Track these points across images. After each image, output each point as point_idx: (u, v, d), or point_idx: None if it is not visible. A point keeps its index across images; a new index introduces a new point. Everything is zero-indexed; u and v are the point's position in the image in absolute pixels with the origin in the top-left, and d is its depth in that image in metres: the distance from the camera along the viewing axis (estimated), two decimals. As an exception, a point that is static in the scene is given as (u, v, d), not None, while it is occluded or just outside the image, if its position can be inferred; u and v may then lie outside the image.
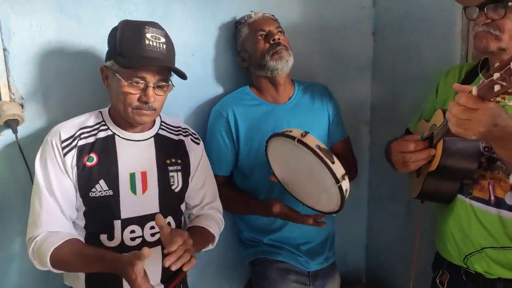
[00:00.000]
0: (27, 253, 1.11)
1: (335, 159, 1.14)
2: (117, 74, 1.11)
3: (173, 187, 1.25)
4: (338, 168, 1.13)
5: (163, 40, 1.14)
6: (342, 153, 1.62)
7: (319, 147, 1.13)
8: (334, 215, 1.29)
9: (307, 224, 1.36)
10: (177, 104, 1.52)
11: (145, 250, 0.95)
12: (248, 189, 1.55)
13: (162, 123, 1.29)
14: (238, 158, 1.50)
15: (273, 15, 1.55)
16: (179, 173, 1.26)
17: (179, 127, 1.33)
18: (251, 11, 1.54)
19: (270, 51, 1.42)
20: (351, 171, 1.63)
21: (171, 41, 1.18)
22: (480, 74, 0.79)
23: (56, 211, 1.11)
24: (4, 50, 1.25)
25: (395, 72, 1.80)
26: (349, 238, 2.01)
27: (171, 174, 1.24)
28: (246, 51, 1.50)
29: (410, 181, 1.37)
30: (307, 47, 1.75)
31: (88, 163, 1.14)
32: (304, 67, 1.71)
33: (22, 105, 1.29)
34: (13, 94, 1.28)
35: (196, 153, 1.32)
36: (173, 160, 1.26)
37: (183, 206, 1.33)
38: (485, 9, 1.03)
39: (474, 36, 1.09)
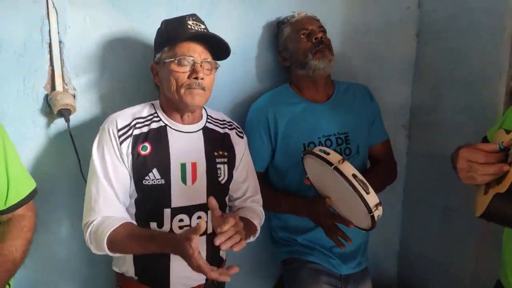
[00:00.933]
0: (83, 238, 1.15)
1: (370, 189, 1.13)
2: (166, 60, 1.17)
3: (220, 179, 1.28)
4: (373, 199, 1.13)
5: (203, 26, 1.22)
6: (381, 156, 1.60)
7: (355, 176, 1.12)
8: (364, 232, 1.29)
9: (333, 240, 1.35)
10: (218, 100, 1.55)
11: (202, 222, 0.98)
12: (280, 187, 1.56)
13: (209, 117, 1.33)
14: (275, 155, 1.51)
15: (315, 16, 1.55)
16: (226, 166, 1.30)
17: (224, 120, 1.36)
18: (293, 12, 1.55)
19: (313, 50, 1.43)
20: (391, 174, 1.62)
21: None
22: None
23: (112, 197, 1.15)
24: (60, 42, 1.32)
25: (438, 75, 1.76)
26: (382, 244, 1.98)
27: (218, 166, 1.28)
28: (288, 50, 1.51)
29: (476, 196, 1.20)
30: (348, 47, 1.74)
31: (143, 152, 1.18)
32: (344, 68, 1.70)
33: (74, 96, 1.35)
34: (66, 84, 1.34)
35: (241, 146, 1.36)
36: (220, 153, 1.29)
37: (227, 199, 1.36)
38: None
39: None
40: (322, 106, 1.51)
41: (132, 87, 1.43)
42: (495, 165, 0.95)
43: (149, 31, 1.37)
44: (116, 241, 1.11)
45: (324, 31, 1.48)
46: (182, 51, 1.17)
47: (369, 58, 1.80)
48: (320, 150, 1.21)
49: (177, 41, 1.17)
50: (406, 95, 1.90)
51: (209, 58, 1.21)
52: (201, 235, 1.16)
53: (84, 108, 1.38)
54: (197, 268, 0.99)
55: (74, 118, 1.35)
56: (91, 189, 1.16)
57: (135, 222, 1.19)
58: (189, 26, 1.18)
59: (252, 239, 1.34)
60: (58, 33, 1.31)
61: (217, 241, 1.01)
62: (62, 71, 1.33)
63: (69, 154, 1.34)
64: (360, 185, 1.12)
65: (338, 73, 1.60)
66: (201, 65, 1.17)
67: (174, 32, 1.18)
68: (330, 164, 1.14)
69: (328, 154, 1.19)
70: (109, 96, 1.40)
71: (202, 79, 1.17)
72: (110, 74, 1.40)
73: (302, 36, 1.46)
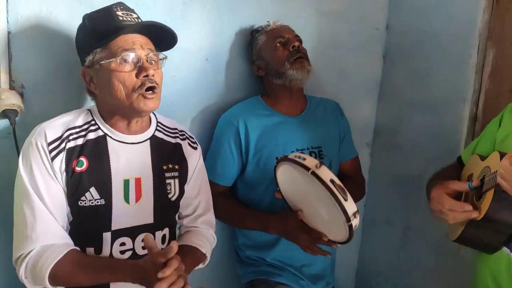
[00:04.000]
0: (16, 273, 0.98)
1: (348, 195, 1.08)
2: (102, 62, 1.02)
3: (169, 196, 1.15)
4: (351, 206, 1.07)
5: (135, 15, 1.07)
6: (351, 172, 1.60)
7: (333, 182, 1.07)
8: (338, 245, 1.24)
9: (312, 253, 1.29)
10: (186, 108, 1.47)
11: (174, 243, 0.88)
12: (250, 201, 1.48)
13: (159, 124, 1.19)
14: (246, 168, 1.44)
15: (290, 26, 1.52)
16: (176, 180, 1.17)
17: (176, 129, 1.22)
18: (268, 21, 1.50)
19: (290, 59, 1.39)
20: (359, 191, 1.61)
21: None
22: None
23: (51, 221, 0.99)
24: (9, 33, 1.15)
25: (402, 97, 1.80)
26: (340, 260, 1.97)
27: (167, 181, 1.15)
28: (263, 59, 1.46)
29: None
30: (319, 62, 1.71)
31: (78, 168, 1.02)
32: (314, 82, 1.68)
33: (22, 94, 1.18)
34: (14, 81, 1.17)
35: (193, 159, 1.22)
36: (170, 166, 1.16)
37: (177, 217, 1.24)
38: None
39: None
40: (295, 119, 1.48)
41: (67, 91, 1.25)
42: (464, 213, 1.02)
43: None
44: (62, 274, 0.96)
45: (300, 41, 1.46)
46: (121, 46, 1.00)
47: (337, 75, 1.80)
48: (295, 156, 1.15)
49: (110, 36, 1.01)
50: (371, 114, 1.92)
51: (154, 52, 1.06)
52: None
53: (33, 109, 1.20)
54: None
55: (21, 120, 1.18)
56: (24, 212, 0.97)
57: (79, 249, 1.03)
58: (120, 18, 1.03)
59: (201, 266, 1.24)
60: (8, 22, 1.14)
61: None
62: (10, 66, 1.16)
63: (14, 161, 1.16)
64: (338, 191, 1.06)
65: (307, 87, 1.57)
66: (147, 60, 1.03)
67: (103, 27, 1.02)
68: (307, 168, 1.08)
69: (304, 159, 1.12)
70: (63, 97, 1.24)
71: (153, 75, 1.02)
72: (67, 72, 1.24)
73: (278, 44, 1.42)
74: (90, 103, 1.16)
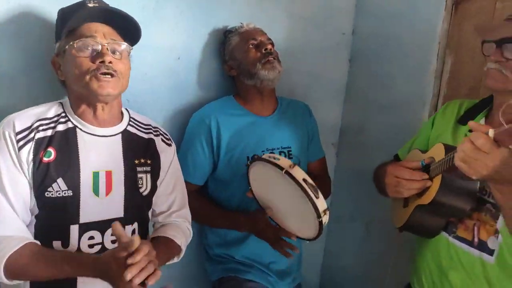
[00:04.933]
0: None
1: (319, 193, 1.14)
2: (65, 48, 1.03)
3: (141, 190, 1.15)
4: (322, 204, 1.14)
5: (108, 5, 1.09)
6: (318, 172, 1.65)
7: (305, 181, 1.12)
8: (307, 242, 1.29)
9: (280, 252, 1.33)
10: (157, 106, 1.46)
11: (136, 236, 0.87)
12: (221, 199, 1.50)
13: (131, 119, 1.18)
14: (217, 167, 1.46)
15: (262, 29, 1.55)
16: (148, 175, 1.16)
17: (149, 125, 1.22)
18: (241, 23, 1.53)
19: (262, 60, 1.41)
20: (326, 190, 1.66)
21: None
22: (500, 118, 0.78)
23: (9, 213, 0.97)
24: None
25: (367, 99, 1.89)
26: (306, 256, 2.03)
27: (139, 175, 1.14)
28: (236, 59, 1.48)
29: (393, 209, 1.36)
30: (289, 64, 1.76)
31: (45, 159, 1.00)
32: (284, 83, 1.72)
33: (-13, 88, 1.14)
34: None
35: (167, 155, 1.22)
36: (142, 161, 1.15)
37: (150, 213, 1.23)
38: (502, 46, 1.02)
39: (486, 72, 1.07)
40: (267, 119, 1.51)
41: (39, 84, 1.21)
42: (420, 181, 1.12)
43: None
44: (17, 266, 0.94)
45: (272, 44, 1.49)
46: (82, 33, 1.02)
47: (307, 77, 1.85)
48: (269, 157, 1.19)
49: (76, 24, 1.02)
50: (337, 115, 2.00)
51: (117, 42, 1.06)
52: None
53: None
54: None
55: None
56: None
57: (38, 243, 1.01)
58: (90, 6, 1.04)
59: (176, 259, 1.24)
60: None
61: (128, 275, 0.87)
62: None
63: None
64: (311, 189, 1.12)
65: (278, 88, 1.60)
66: (107, 48, 1.03)
67: (71, 15, 1.03)
68: (281, 168, 1.13)
69: (278, 159, 1.17)
70: (32, 90, 1.20)
71: (110, 62, 1.01)
72: (36, 65, 1.19)
73: (251, 46, 1.45)
74: (39, 101, 1.12)
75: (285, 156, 1.49)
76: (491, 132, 0.83)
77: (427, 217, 1.15)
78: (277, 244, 1.34)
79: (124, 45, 1.07)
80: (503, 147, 0.82)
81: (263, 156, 1.20)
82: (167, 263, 1.20)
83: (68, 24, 1.02)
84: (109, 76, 1.02)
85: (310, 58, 1.84)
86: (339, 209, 2.04)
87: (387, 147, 1.76)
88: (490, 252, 1.06)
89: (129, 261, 0.88)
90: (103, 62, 1.01)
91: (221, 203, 1.50)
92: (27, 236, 0.99)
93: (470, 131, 1.00)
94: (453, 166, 0.94)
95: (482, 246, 1.08)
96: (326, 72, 1.90)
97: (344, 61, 1.95)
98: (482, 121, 1.15)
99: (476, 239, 1.09)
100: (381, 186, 1.27)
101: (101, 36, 1.03)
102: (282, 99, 1.60)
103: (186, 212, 1.29)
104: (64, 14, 1.07)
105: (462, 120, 1.18)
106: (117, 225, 0.92)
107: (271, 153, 1.47)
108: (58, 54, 1.06)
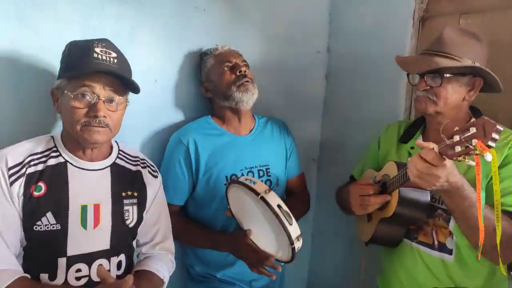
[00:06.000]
0: None
1: (293, 220, 1.16)
2: (65, 91, 1.06)
3: (127, 222, 1.17)
4: (295, 230, 1.16)
5: (114, 55, 1.10)
6: (297, 188, 1.67)
7: (280, 207, 1.15)
8: (282, 263, 1.30)
9: (259, 272, 1.32)
10: (136, 130, 1.48)
11: (129, 277, 0.89)
12: (200, 219, 1.51)
13: (120, 152, 1.22)
14: (196, 187, 1.47)
15: (238, 51, 1.59)
16: (135, 207, 1.19)
17: (137, 157, 1.26)
18: (217, 45, 1.56)
19: (236, 82, 1.44)
20: (304, 206, 1.68)
21: (124, 58, 1.14)
22: (442, 134, 0.91)
23: (2, 245, 0.99)
24: None
25: (344, 115, 1.93)
26: (291, 273, 2.03)
27: (126, 208, 1.17)
28: (211, 81, 1.51)
29: (359, 224, 1.45)
30: (266, 83, 1.80)
31: (36, 193, 1.03)
32: (262, 102, 1.74)
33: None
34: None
35: (154, 187, 1.25)
36: (129, 193, 1.18)
37: (134, 243, 1.25)
38: (425, 77, 1.18)
39: (414, 99, 1.23)
40: (244, 138, 1.53)
41: (35, 114, 1.25)
42: (381, 196, 1.24)
43: (60, 52, 1.23)
44: None
45: (247, 66, 1.52)
46: (82, 84, 1.04)
47: (284, 95, 1.89)
48: (246, 180, 1.21)
49: (78, 73, 1.05)
50: (317, 131, 2.03)
51: (116, 94, 1.08)
52: None
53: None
54: None
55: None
56: None
57: (29, 276, 1.02)
58: (95, 55, 1.05)
59: None
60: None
61: None
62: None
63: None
64: (285, 216, 1.14)
65: (256, 107, 1.63)
66: (104, 102, 1.06)
67: (76, 60, 1.06)
68: (257, 193, 1.15)
69: (254, 183, 1.19)
70: (5, 124, 1.21)
71: (104, 117, 1.06)
72: (9, 97, 1.21)
73: (225, 68, 1.47)
74: (36, 131, 1.15)
75: (264, 174, 1.51)
76: (436, 148, 0.94)
77: (390, 228, 1.27)
78: (256, 266, 1.32)
79: (122, 100, 1.10)
80: (447, 159, 0.93)
81: (240, 179, 1.22)
82: None
83: (71, 73, 1.06)
84: (100, 127, 1.05)
85: (287, 76, 1.88)
86: (322, 225, 2.06)
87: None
88: (449, 252, 1.20)
89: None
90: (96, 116, 1.04)
91: (203, 223, 1.50)
92: (17, 269, 1.01)
93: (412, 148, 1.28)
94: (407, 180, 1.06)
95: (442, 248, 1.21)
96: (303, 89, 1.94)
97: (320, 78, 1.99)
98: (420, 138, 1.30)
99: (436, 242, 1.22)
100: (346, 205, 1.38)
101: (100, 87, 1.06)
102: (260, 118, 1.63)
103: (170, 243, 1.31)
104: (71, 54, 1.08)
105: (403, 138, 1.34)
106: (101, 268, 0.98)
107: (249, 171, 1.49)
108: (58, 89, 1.10)
